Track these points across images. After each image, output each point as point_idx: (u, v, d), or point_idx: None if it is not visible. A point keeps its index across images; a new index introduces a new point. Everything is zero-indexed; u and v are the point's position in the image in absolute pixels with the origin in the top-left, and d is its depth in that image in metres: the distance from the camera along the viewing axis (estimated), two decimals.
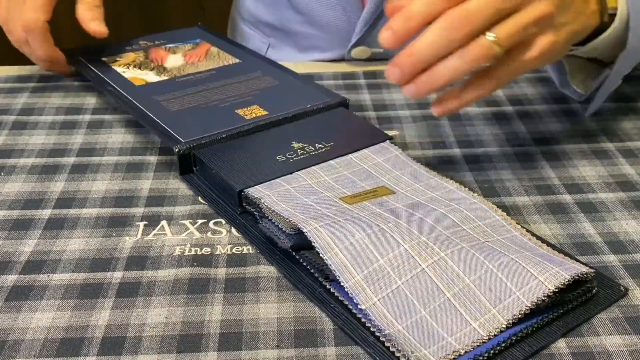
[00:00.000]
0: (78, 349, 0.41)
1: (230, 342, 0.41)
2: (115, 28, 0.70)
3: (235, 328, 0.42)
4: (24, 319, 0.43)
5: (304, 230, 0.45)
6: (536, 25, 0.49)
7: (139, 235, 0.50)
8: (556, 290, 0.41)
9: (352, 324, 0.42)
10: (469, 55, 0.47)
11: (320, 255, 0.44)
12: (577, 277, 0.42)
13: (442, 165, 0.59)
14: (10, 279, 0.46)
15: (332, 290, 0.44)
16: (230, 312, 0.43)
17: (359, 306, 0.42)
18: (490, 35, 0.47)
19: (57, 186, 0.56)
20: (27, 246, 0.49)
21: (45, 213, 0.53)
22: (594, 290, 0.44)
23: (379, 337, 0.40)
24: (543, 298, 0.40)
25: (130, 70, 0.72)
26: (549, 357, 0.40)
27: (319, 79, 0.75)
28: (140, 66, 0.73)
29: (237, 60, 0.74)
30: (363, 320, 0.41)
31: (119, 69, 0.72)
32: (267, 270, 0.47)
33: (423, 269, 0.43)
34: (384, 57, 0.79)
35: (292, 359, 0.40)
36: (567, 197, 0.54)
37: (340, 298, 0.43)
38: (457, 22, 0.46)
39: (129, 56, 0.75)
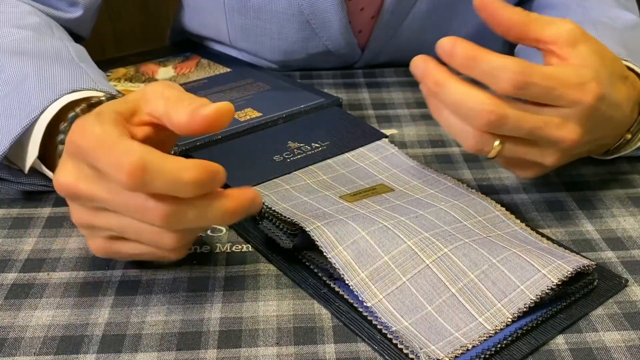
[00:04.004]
0: (78, 347, 0.41)
1: (230, 339, 0.41)
2: (116, 47, 0.69)
3: (235, 326, 0.42)
4: (24, 316, 0.43)
5: (307, 229, 0.45)
6: (551, 145, 0.45)
7: None
8: (559, 283, 0.41)
9: (358, 322, 0.42)
10: (471, 139, 0.44)
11: (324, 253, 0.44)
12: (579, 270, 0.42)
13: (440, 164, 0.59)
14: (10, 277, 0.46)
15: (337, 288, 0.44)
16: (230, 310, 0.43)
17: (364, 304, 0.42)
18: (497, 144, 0.44)
19: None
20: (27, 244, 0.49)
21: (45, 211, 0.53)
22: (595, 283, 0.44)
23: (386, 334, 0.40)
24: (547, 291, 0.41)
25: (121, 83, 0.72)
26: (548, 353, 0.40)
27: (317, 77, 0.75)
28: (131, 79, 0.73)
29: (228, 70, 0.74)
30: (369, 318, 0.41)
31: (111, 83, 0.72)
32: (267, 268, 0.47)
33: (427, 265, 0.43)
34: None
35: (292, 356, 0.40)
36: (565, 195, 0.55)
37: (345, 296, 0.43)
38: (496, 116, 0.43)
39: (120, 71, 0.75)
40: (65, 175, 0.40)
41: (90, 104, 0.48)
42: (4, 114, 0.50)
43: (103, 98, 0.48)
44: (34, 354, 0.40)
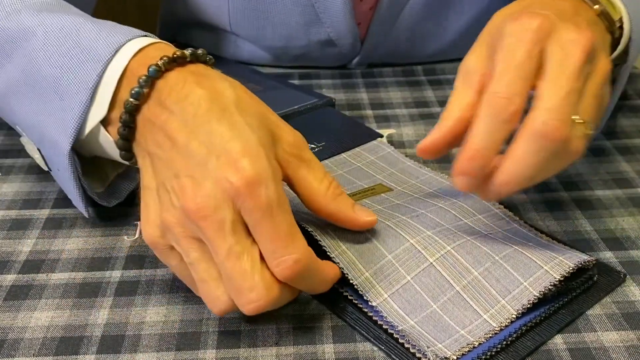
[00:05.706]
0: (77, 348, 0.41)
1: (229, 340, 0.41)
2: None
3: (234, 326, 0.42)
4: (23, 318, 0.43)
5: (309, 229, 0.45)
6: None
7: (138, 234, 0.50)
8: (562, 278, 0.41)
9: (363, 322, 0.42)
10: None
11: (327, 254, 0.44)
12: (579, 265, 0.42)
13: (439, 163, 0.59)
14: (9, 278, 0.46)
15: (340, 289, 0.44)
16: None
17: (369, 303, 0.42)
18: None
19: (56, 186, 0.56)
20: (26, 246, 0.49)
21: (44, 212, 0.53)
22: (595, 278, 0.44)
23: (392, 334, 0.40)
24: (550, 287, 0.41)
25: None
26: (546, 353, 0.40)
27: (316, 77, 0.75)
28: None
29: (218, 70, 0.74)
30: (375, 317, 0.41)
31: None
32: None
33: (431, 263, 0.43)
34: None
35: (291, 356, 0.40)
36: (564, 194, 0.55)
37: (350, 297, 0.43)
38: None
39: None
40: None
41: (172, 58, 0.42)
42: (66, 66, 0.44)
43: (187, 53, 0.43)
44: (33, 355, 0.40)
